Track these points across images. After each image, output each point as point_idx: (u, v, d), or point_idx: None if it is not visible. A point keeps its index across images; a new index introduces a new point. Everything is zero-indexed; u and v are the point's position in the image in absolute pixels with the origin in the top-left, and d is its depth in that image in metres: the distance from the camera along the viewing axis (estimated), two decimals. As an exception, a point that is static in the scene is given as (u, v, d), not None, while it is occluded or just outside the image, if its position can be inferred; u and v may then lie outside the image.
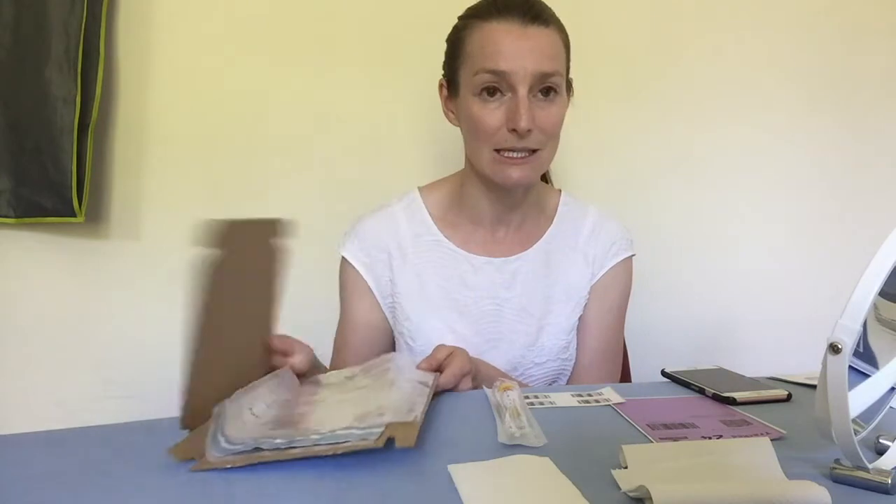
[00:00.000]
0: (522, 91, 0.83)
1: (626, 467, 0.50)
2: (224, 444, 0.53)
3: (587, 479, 0.48)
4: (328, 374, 0.77)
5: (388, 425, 0.53)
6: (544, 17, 0.86)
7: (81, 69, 1.21)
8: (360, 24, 1.29)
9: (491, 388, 0.72)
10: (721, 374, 0.78)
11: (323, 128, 1.31)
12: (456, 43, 0.91)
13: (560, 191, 1.04)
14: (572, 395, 0.72)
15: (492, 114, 0.85)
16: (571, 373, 0.98)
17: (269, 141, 1.31)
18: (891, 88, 1.32)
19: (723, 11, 1.31)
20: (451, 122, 0.95)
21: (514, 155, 0.86)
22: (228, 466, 0.51)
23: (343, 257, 0.97)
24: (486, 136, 0.86)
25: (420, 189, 1.01)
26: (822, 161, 1.33)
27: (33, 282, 1.30)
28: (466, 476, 0.50)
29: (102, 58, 1.23)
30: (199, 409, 0.56)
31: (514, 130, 0.84)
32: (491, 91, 0.85)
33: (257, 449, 0.52)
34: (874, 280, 0.42)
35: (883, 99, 1.32)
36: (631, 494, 0.45)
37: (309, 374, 0.79)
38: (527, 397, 0.70)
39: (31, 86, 1.21)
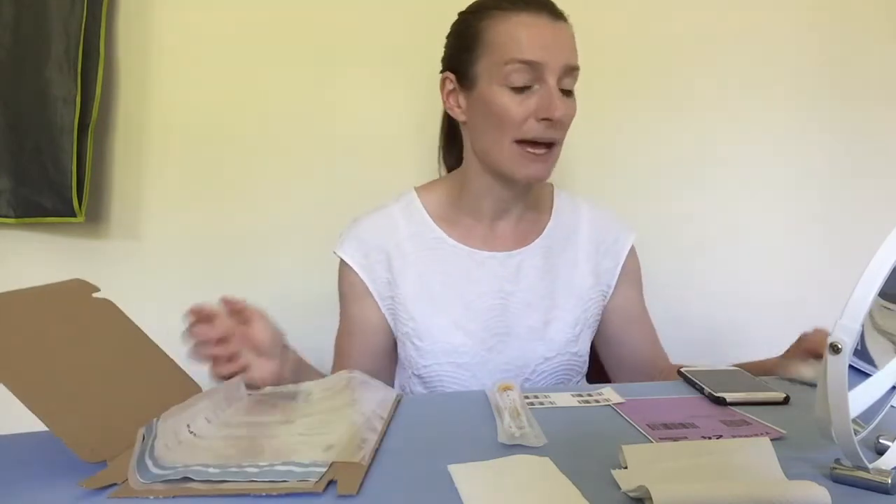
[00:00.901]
0: (552, 81, 0.85)
1: (626, 467, 0.50)
2: (152, 468, 0.49)
3: (587, 479, 0.48)
4: (277, 388, 0.74)
5: (332, 465, 0.50)
6: (563, 14, 0.89)
7: (81, 69, 1.21)
8: (361, 23, 1.29)
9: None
10: (733, 375, 0.78)
11: (323, 128, 1.31)
12: (470, 35, 0.89)
13: (552, 185, 1.04)
14: (572, 395, 0.72)
15: (521, 104, 0.85)
16: (649, 365, 1.01)
17: (270, 141, 1.31)
18: (891, 88, 1.32)
19: (722, 11, 1.31)
20: (456, 116, 0.94)
21: (537, 151, 0.86)
22: (152, 497, 0.47)
23: (341, 259, 0.97)
24: (512, 126, 0.86)
25: (417, 189, 1.01)
26: (822, 161, 1.33)
27: (33, 282, 1.29)
28: (466, 476, 0.50)
29: (102, 58, 1.23)
30: (104, 440, 0.53)
31: (545, 119, 0.85)
32: (521, 81, 0.85)
33: (187, 479, 0.49)
34: (874, 280, 0.42)
35: (883, 99, 1.32)
36: (631, 494, 0.45)
37: (286, 362, 0.79)
38: (527, 397, 0.70)
39: (31, 86, 1.22)
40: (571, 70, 0.87)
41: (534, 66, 0.84)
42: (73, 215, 1.23)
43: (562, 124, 0.87)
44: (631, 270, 1.03)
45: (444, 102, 0.94)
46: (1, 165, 1.24)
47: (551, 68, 0.84)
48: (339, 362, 0.97)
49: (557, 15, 0.87)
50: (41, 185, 1.23)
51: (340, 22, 1.29)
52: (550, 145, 0.87)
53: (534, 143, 0.86)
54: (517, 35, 0.85)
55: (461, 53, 0.91)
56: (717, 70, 1.31)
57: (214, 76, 1.30)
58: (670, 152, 1.32)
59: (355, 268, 0.95)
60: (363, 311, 0.96)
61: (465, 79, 0.90)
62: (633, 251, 1.03)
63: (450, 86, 0.93)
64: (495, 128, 0.87)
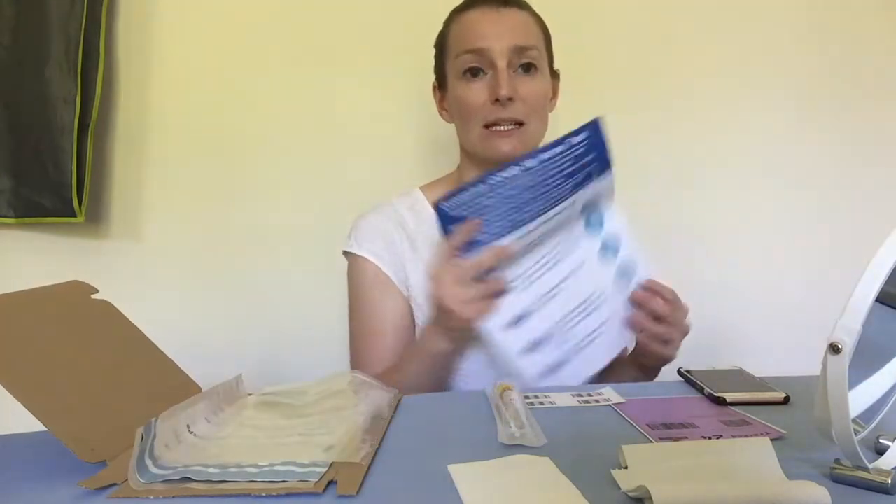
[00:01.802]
0: (501, 64, 0.88)
1: (626, 467, 0.50)
2: (152, 468, 0.49)
3: (587, 479, 0.48)
4: (277, 388, 0.73)
5: (332, 465, 0.50)
6: (517, 2, 0.92)
7: (81, 69, 1.21)
8: (361, 24, 1.29)
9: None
10: (734, 375, 0.78)
11: (323, 128, 1.31)
12: (441, 40, 0.96)
13: None
14: (572, 395, 0.72)
15: (475, 93, 0.89)
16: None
17: (270, 140, 1.31)
18: (891, 88, 1.32)
19: (721, 10, 1.31)
20: (446, 120, 0.99)
21: (502, 128, 0.89)
22: (152, 497, 0.47)
23: (356, 256, 0.95)
24: (472, 112, 0.90)
25: (421, 188, 1.02)
26: (821, 160, 1.33)
27: (33, 282, 1.29)
28: (466, 476, 0.50)
29: (102, 58, 1.23)
30: (104, 440, 0.53)
31: (497, 101, 0.87)
32: (473, 72, 0.90)
33: (186, 479, 0.49)
34: (874, 280, 0.42)
35: (883, 99, 1.32)
36: (631, 494, 0.45)
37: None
38: (527, 397, 0.70)
39: (31, 86, 1.22)
40: (522, 50, 0.89)
41: (481, 53, 0.88)
42: (73, 215, 1.23)
43: (522, 103, 0.88)
44: None
45: (437, 108, 1.00)
46: (1, 165, 1.24)
47: (498, 51, 0.88)
48: (370, 362, 0.92)
49: (505, 3, 0.90)
50: (41, 185, 1.23)
51: (340, 22, 1.29)
52: (518, 124, 0.89)
53: (498, 124, 0.89)
54: (463, 30, 0.91)
55: (437, 60, 0.98)
56: (717, 70, 1.31)
57: (214, 76, 1.30)
58: (669, 153, 1.32)
59: (375, 261, 0.94)
60: (393, 303, 0.94)
61: (442, 82, 0.97)
62: None
63: (437, 94, 1.00)
64: (463, 119, 0.92)
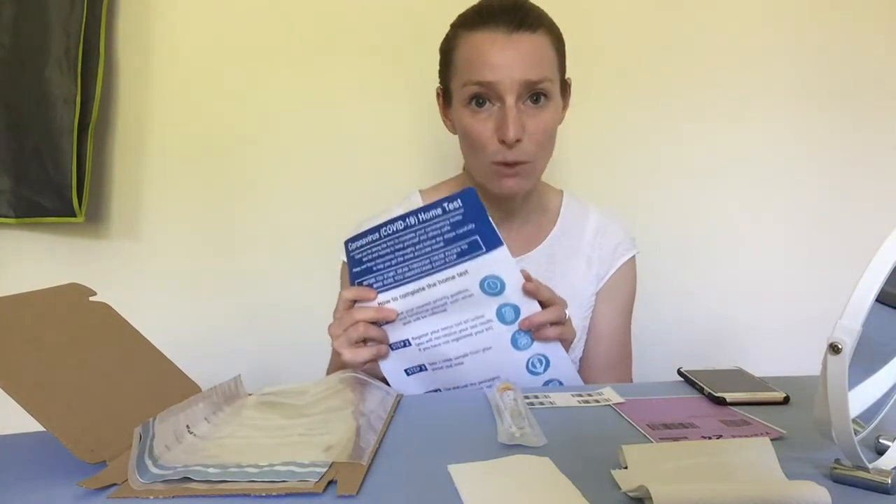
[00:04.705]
0: (510, 100, 0.83)
1: (626, 467, 0.50)
2: (152, 468, 0.49)
3: (587, 479, 0.48)
4: (277, 388, 0.74)
5: (332, 465, 0.50)
6: (530, 22, 0.84)
7: (81, 69, 1.21)
8: (362, 25, 1.29)
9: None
10: (734, 375, 0.78)
11: (323, 129, 1.31)
12: (447, 53, 0.91)
13: (562, 192, 1.04)
14: (572, 395, 0.72)
15: (482, 124, 0.85)
16: (583, 379, 0.97)
17: (270, 141, 1.31)
18: (891, 87, 1.32)
19: (722, 10, 1.31)
20: (449, 129, 0.96)
21: (508, 169, 0.86)
22: (152, 497, 0.47)
23: (343, 262, 0.97)
24: (478, 146, 0.86)
25: (421, 192, 1.01)
26: (822, 160, 1.33)
27: (33, 282, 1.29)
28: (466, 476, 0.50)
29: (102, 58, 1.23)
30: (104, 441, 0.53)
31: (503, 141, 0.83)
32: (480, 101, 0.85)
33: (186, 479, 0.49)
34: (874, 280, 0.42)
35: (883, 98, 1.32)
36: (631, 494, 0.45)
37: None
38: (527, 397, 0.70)
39: (31, 86, 1.22)
40: (533, 84, 0.83)
41: (489, 86, 0.83)
42: (73, 215, 1.23)
43: (530, 139, 0.84)
44: (615, 285, 0.99)
45: (441, 115, 0.96)
46: (1, 165, 1.24)
47: (507, 86, 0.82)
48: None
49: (518, 25, 0.82)
50: (41, 185, 1.23)
51: (341, 22, 1.29)
52: (525, 162, 0.86)
53: (504, 165, 0.86)
54: (472, 56, 0.84)
55: (443, 70, 0.92)
56: (717, 70, 1.31)
57: (214, 76, 1.30)
58: (671, 153, 1.32)
59: None
60: None
61: (447, 95, 0.92)
62: (628, 268, 1.00)
63: (441, 101, 0.95)
64: (470, 148, 0.88)
